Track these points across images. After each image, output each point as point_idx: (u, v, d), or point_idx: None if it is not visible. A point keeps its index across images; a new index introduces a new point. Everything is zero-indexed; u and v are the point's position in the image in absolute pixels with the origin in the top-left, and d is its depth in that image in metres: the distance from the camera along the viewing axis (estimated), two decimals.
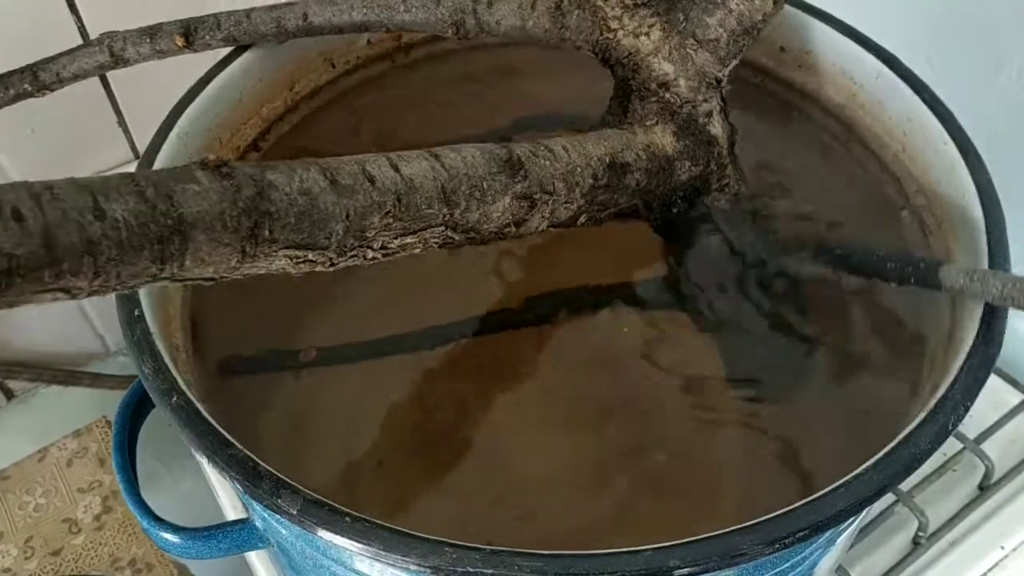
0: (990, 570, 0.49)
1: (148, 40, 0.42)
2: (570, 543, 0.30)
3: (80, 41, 0.44)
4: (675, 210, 0.39)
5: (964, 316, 0.34)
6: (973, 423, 0.54)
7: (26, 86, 0.43)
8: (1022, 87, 0.51)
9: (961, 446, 0.52)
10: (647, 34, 0.38)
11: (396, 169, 0.29)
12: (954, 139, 0.36)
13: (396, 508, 0.37)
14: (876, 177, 0.42)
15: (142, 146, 0.58)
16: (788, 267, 0.39)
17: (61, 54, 0.43)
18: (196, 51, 0.42)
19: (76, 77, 0.43)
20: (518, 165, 0.32)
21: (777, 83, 0.46)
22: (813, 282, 0.40)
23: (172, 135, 0.39)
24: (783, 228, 0.40)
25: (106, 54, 0.43)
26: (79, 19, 0.54)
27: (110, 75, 0.57)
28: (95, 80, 0.57)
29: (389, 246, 0.29)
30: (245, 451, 0.30)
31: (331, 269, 0.28)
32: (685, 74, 0.38)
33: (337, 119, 0.48)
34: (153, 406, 0.33)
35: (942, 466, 0.51)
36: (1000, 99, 0.53)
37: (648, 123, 0.38)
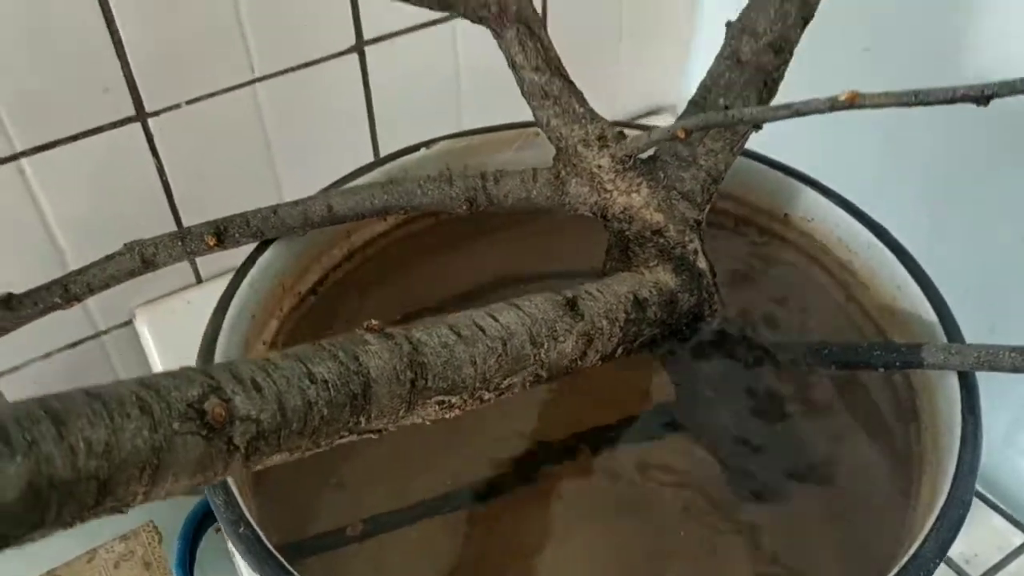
0: None
1: (179, 243, 0.46)
2: None
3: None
4: (682, 337, 0.45)
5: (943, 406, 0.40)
6: (978, 563, 0.56)
7: (56, 299, 0.45)
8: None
9: None
10: (637, 191, 0.45)
11: (496, 319, 0.34)
12: (936, 308, 0.43)
13: None
14: (865, 327, 0.48)
15: (204, 271, 0.65)
16: (785, 366, 0.46)
17: (91, 265, 0.46)
18: (226, 248, 0.46)
19: (107, 285, 0.46)
20: (576, 307, 0.38)
21: (781, 243, 0.52)
22: (799, 396, 0.47)
23: (244, 283, 0.44)
24: (776, 341, 0.47)
25: (136, 260, 0.46)
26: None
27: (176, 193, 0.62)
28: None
29: (500, 386, 0.33)
30: None
31: (458, 413, 0.32)
32: (673, 220, 0.45)
33: (385, 266, 0.53)
34: (209, 525, 0.35)
35: None
36: (1000, 257, 0.61)
37: (651, 264, 0.45)
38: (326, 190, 0.49)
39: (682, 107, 0.83)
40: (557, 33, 0.70)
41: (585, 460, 0.47)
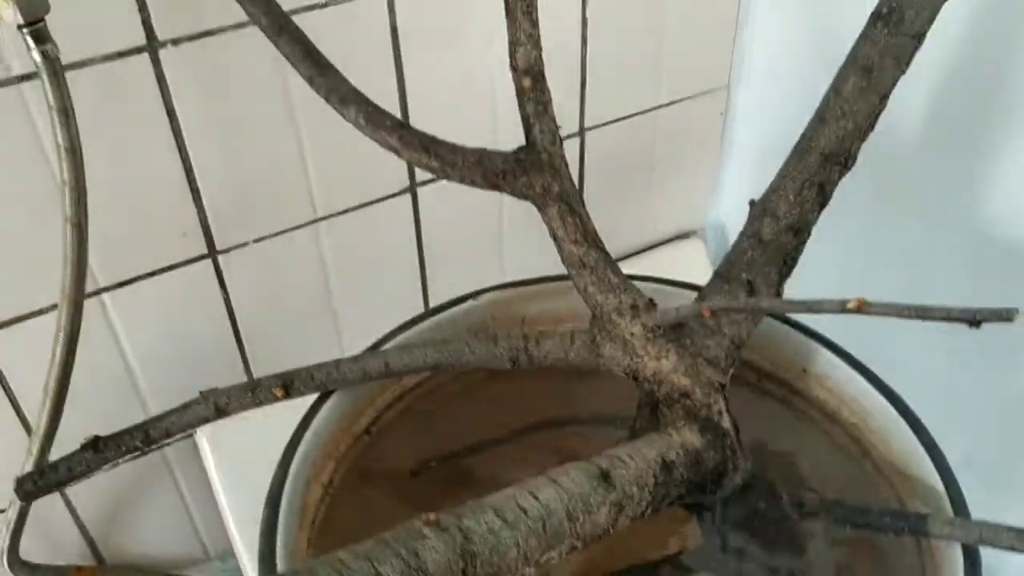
0: None
1: (250, 394, 0.50)
2: None
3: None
4: (708, 493, 0.49)
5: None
6: None
7: (137, 443, 0.50)
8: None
9: None
10: (666, 357, 0.49)
11: (536, 498, 0.38)
12: (944, 481, 0.46)
13: None
14: (879, 483, 0.51)
15: None
16: (804, 520, 0.49)
17: (169, 413, 0.51)
18: (291, 398, 0.51)
19: (183, 430, 0.51)
20: (608, 477, 0.42)
21: (801, 398, 0.56)
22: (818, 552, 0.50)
23: (308, 434, 0.49)
24: (796, 496, 0.50)
25: (211, 409, 0.50)
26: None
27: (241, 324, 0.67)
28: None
29: (539, 561, 0.37)
30: None
31: None
32: (699, 384, 0.49)
33: (431, 406, 0.57)
34: None
35: None
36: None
37: (679, 425, 0.48)
38: (379, 343, 0.53)
39: (710, 231, 0.89)
40: (595, 165, 0.76)
41: None
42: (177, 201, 0.60)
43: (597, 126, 0.74)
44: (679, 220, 0.86)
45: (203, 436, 0.68)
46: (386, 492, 0.55)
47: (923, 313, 0.37)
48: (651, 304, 0.50)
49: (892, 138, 0.59)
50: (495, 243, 0.75)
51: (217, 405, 0.50)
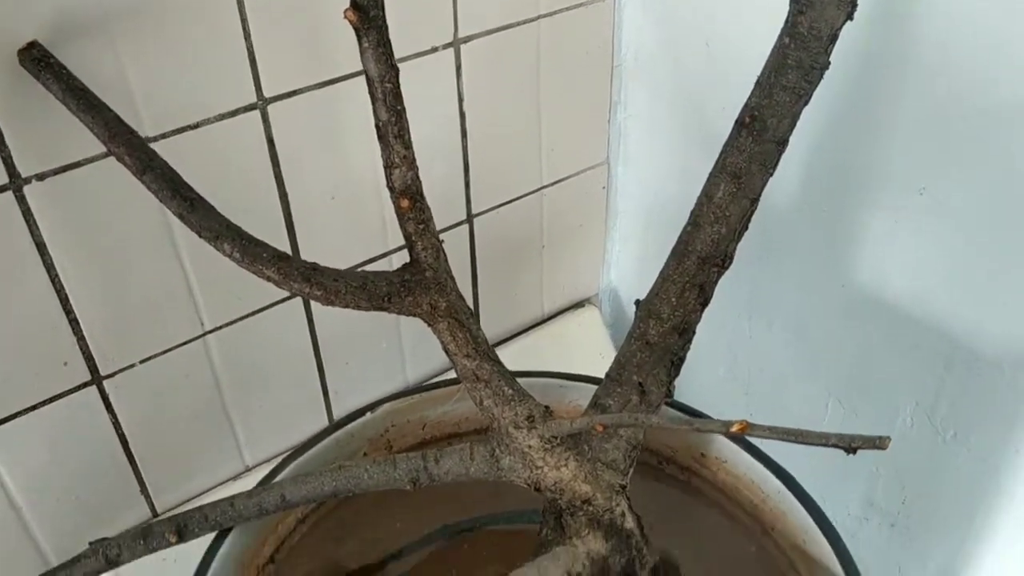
0: None
1: (142, 542, 0.48)
2: None
3: None
4: None
5: None
6: None
7: None
8: (916, 431, 0.66)
9: None
10: (566, 466, 0.49)
11: None
12: (840, 560, 0.47)
13: None
14: (780, 562, 0.53)
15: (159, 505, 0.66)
16: None
17: (57, 569, 0.48)
18: (185, 542, 0.49)
19: None
20: None
21: (701, 480, 0.57)
22: None
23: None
24: None
25: (101, 561, 0.48)
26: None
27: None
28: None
29: None
30: None
31: None
32: (600, 489, 0.49)
33: (337, 526, 0.56)
34: None
35: None
36: (900, 439, 0.67)
37: (583, 534, 0.49)
38: (278, 477, 0.52)
39: (603, 297, 0.90)
40: (486, 248, 0.76)
41: None
42: (53, 330, 0.58)
43: (485, 211, 0.74)
44: (572, 290, 0.87)
45: None
46: None
47: (802, 438, 0.38)
48: (547, 413, 0.50)
49: (769, 211, 0.61)
50: (395, 339, 0.74)
51: (108, 556, 0.48)
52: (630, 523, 0.50)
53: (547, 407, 0.50)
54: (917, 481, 0.72)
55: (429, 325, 0.50)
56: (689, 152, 0.76)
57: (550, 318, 0.87)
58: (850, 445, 0.36)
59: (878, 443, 0.35)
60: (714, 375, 0.58)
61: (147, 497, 0.66)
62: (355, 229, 0.67)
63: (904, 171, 0.61)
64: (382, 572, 0.55)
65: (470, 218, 0.74)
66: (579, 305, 0.88)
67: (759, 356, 0.78)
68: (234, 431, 0.68)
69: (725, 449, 0.55)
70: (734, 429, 0.39)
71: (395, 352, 0.75)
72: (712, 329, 0.68)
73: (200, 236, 0.47)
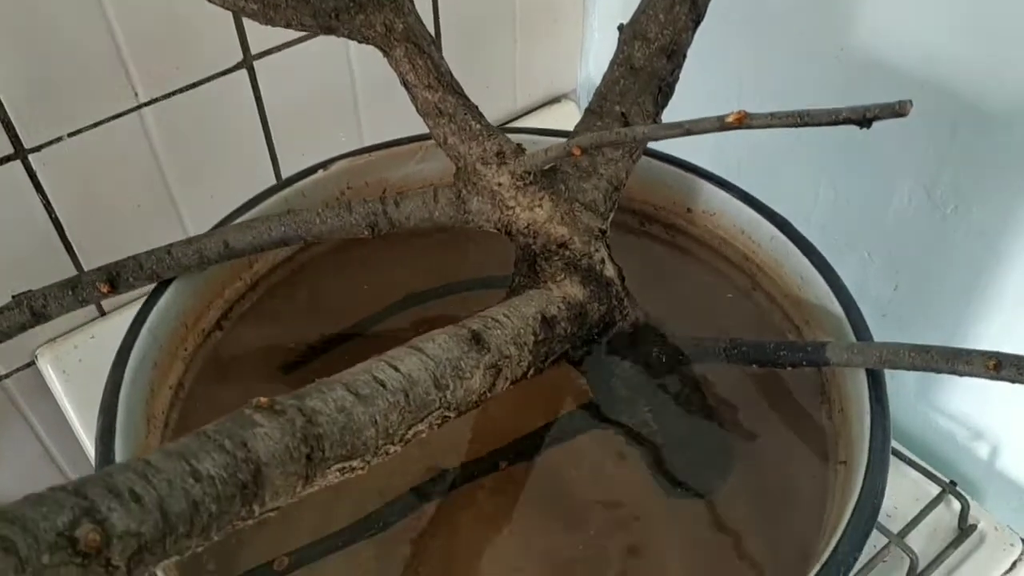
0: None
1: (70, 292, 0.44)
2: None
3: None
4: (594, 346, 0.45)
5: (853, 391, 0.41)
6: (897, 516, 0.58)
7: None
8: (913, 209, 0.61)
9: (886, 540, 0.54)
10: (540, 206, 0.44)
11: (396, 369, 0.33)
12: (840, 301, 0.43)
13: None
14: (772, 315, 0.49)
15: (107, 303, 0.61)
16: (697, 362, 0.46)
17: None
18: (121, 293, 0.44)
19: None
20: (480, 340, 0.37)
21: (687, 238, 0.52)
22: (715, 387, 0.47)
23: (143, 331, 0.42)
24: (688, 338, 0.47)
25: (26, 314, 0.43)
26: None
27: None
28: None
29: (406, 437, 0.32)
30: None
31: (363, 473, 0.31)
32: (577, 232, 0.44)
33: (293, 292, 0.52)
34: None
35: (870, 561, 0.54)
36: (896, 220, 0.63)
37: (558, 279, 0.44)
38: (222, 225, 0.47)
39: (581, 92, 0.84)
40: (453, 33, 0.69)
41: (507, 469, 0.47)
42: None
43: None
44: (548, 84, 0.81)
45: (46, 363, 0.61)
46: (250, 392, 0.49)
47: (808, 119, 0.33)
48: (519, 149, 0.44)
49: None
50: (350, 114, 0.68)
51: (33, 308, 0.43)
52: (610, 271, 0.46)
53: (519, 144, 0.45)
54: (911, 264, 0.68)
55: (384, 53, 0.44)
56: None
57: (525, 114, 0.80)
58: (864, 116, 0.31)
59: (898, 108, 0.30)
60: (699, 160, 0.53)
61: None
62: None
63: None
64: (342, 343, 0.51)
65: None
66: (555, 100, 0.82)
67: (748, 137, 0.72)
68: (180, 216, 0.63)
69: (714, 200, 0.50)
70: (730, 120, 0.34)
71: (353, 129, 0.69)
72: (698, 107, 0.63)
73: None
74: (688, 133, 0.36)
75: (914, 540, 0.56)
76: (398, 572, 0.44)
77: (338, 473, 0.29)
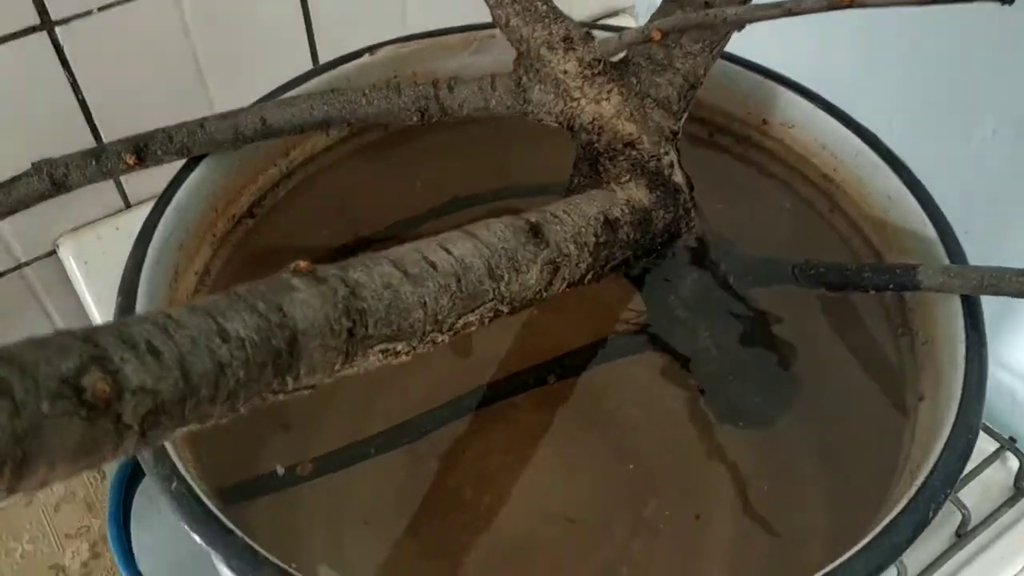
0: None
1: (94, 162, 0.40)
2: None
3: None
4: (656, 258, 0.42)
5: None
6: None
7: None
8: (997, 144, 0.56)
9: None
10: (607, 99, 0.40)
11: (448, 252, 0.29)
12: (933, 221, 0.39)
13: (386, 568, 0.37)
14: (852, 239, 0.45)
15: (132, 195, 0.59)
16: (766, 284, 0.42)
17: None
18: (149, 167, 0.41)
19: (13, 210, 0.41)
20: (540, 233, 0.33)
21: (760, 152, 0.48)
22: (782, 313, 0.44)
23: (170, 208, 0.39)
24: (757, 259, 0.43)
25: (46, 182, 0.40)
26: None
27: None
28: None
29: (455, 326, 0.29)
30: (246, 539, 0.29)
31: (407, 359, 0.28)
32: (647, 131, 0.40)
33: (331, 185, 0.48)
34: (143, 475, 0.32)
35: None
36: (975, 158, 0.58)
37: (623, 180, 0.40)
38: (260, 102, 0.43)
39: (640, 7, 0.78)
40: None
41: (554, 383, 0.44)
42: None
43: None
44: None
45: (68, 253, 0.58)
46: None
47: None
48: (588, 35, 0.40)
49: None
50: (396, 6, 0.64)
51: (53, 177, 0.40)
52: (679, 177, 0.42)
53: (588, 30, 0.41)
54: (987, 205, 0.63)
55: None
56: None
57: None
58: None
59: None
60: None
61: None
62: None
63: None
64: (380, 243, 0.47)
65: None
66: (612, 14, 0.77)
67: (820, 56, 0.66)
68: (210, 101, 0.59)
69: (794, 111, 0.46)
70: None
71: (397, 13, 0.64)
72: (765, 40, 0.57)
73: None
74: (789, 14, 0.32)
75: (967, 496, 0.53)
76: (426, 486, 0.42)
77: (380, 355, 0.26)
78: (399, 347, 0.26)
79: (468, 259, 0.30)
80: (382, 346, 0.26)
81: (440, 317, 0.28)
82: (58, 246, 0.59)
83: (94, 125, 0.55)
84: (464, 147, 0.50)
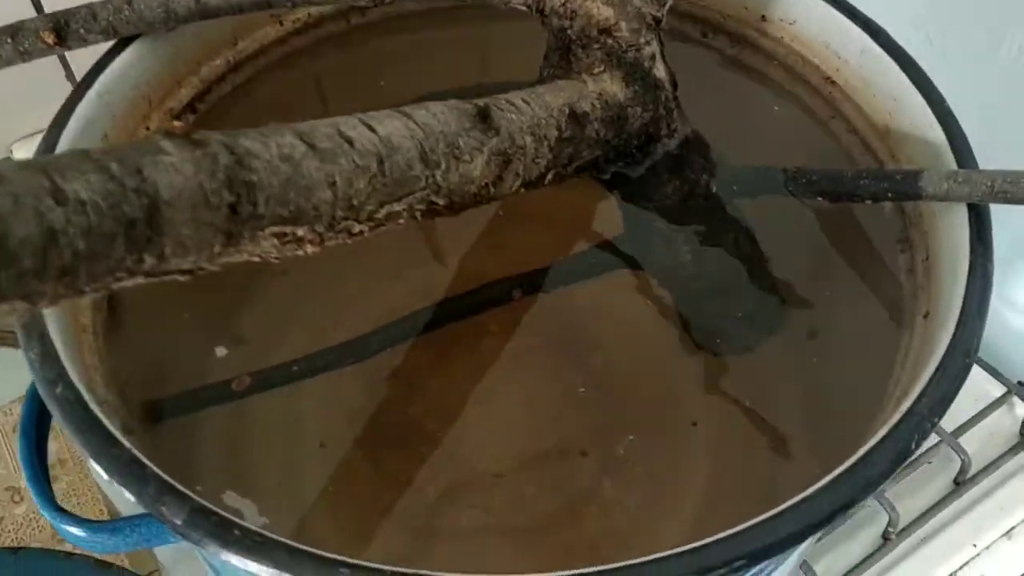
0: (960, 569, 0.47)
1: (9, 40, 0.36)
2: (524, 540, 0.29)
3: None
4: (632, 160, 0.38)
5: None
6: (951, 415, 0.51)
7: None
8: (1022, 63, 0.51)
9: (938, 439, 0.49)
10: None
11: (372, 129, 0.25)
12: (942, 123, 0.35)
13: (341, 495, 0.34)
14: (851, 149, 0.41)
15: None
16: (750, 198, 0.38)
17: None
18: (72, 48, 0.37)
19: None
20: (488, 118, 0.29)
21: (757, 53, 0.44)
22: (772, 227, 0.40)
23: (91, 93, 0.35)
24: (747, 167, 0.39)
25: None
26: None
27: None
28: None
29: (376, 216, 0.25)
30: (133, 451, 0.26)
31: (318, 249, 0.24)
32: (625, 17, 0.36)
33: (284, 82, 0.44)
34: None
35: (917, 459, 0.49)
36: (999, 73, 0.53)
37: (595, 71, 0.36)
38: None
39: None
40: None
41: (521, 300, 0.41)
42: None
43: None
44: None
45: (22, 157, 0.55)
46: None
47: None
48: None
49: None
50: None
51: None
52: (660, 72, 0.37)
53: None
54: (1012, 125, 0.59)
55: None
56: None
57: None
58: None
59: None
60: None
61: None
62: None
63: None
64: None
65: None
66: None
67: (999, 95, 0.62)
68: None
69: (795, 5, 0.41)
70: None
71: None
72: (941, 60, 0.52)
73: None
74: None
75: (968, 442, 0.50)
76: (379, 409, 0.38)
77: (276, 241, 0.22)
78: (300, 232, 0.23)
79: (396, 139, 0.26)
80: (277, 228, 0.22)
81: (356, 202, 0.24)
82: (12, 152, 0.56)
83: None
84: (433, 49, 0.46)
